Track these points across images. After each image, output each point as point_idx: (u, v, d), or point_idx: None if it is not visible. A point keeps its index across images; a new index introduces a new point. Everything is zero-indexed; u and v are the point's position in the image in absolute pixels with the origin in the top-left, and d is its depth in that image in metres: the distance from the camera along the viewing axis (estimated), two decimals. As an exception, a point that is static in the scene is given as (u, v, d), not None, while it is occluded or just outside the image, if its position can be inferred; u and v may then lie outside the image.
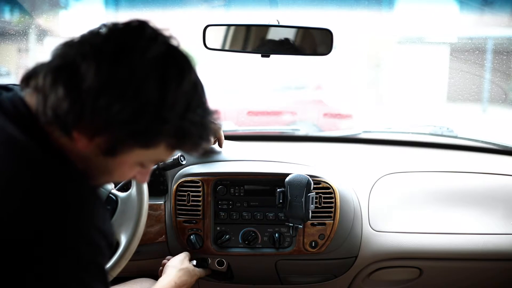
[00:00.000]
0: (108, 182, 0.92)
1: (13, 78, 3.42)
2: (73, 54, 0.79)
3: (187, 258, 1.47)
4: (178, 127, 0.80)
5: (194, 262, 1.52)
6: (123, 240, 1.35)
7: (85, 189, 0.83)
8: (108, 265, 1.32)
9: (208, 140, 0.85)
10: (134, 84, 0.77)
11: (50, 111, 0.79)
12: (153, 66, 0.78)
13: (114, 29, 0.81)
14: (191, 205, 1.57)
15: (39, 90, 0.80)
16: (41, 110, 0.80)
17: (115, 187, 1.45)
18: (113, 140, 0.79)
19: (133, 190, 1.40)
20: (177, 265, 1.43)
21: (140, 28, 0.81)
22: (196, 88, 0.83)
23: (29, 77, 0.83)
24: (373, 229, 1.68)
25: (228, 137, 1.75)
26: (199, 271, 1.49)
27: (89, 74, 0.77)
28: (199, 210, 1.57)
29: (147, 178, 0.93)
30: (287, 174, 1.52)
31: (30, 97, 0.83)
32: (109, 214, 0.84)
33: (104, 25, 0.82)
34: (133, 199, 1.39)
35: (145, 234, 1.42)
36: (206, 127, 0.83)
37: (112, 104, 0.76)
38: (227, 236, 1.59)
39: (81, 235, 0.78)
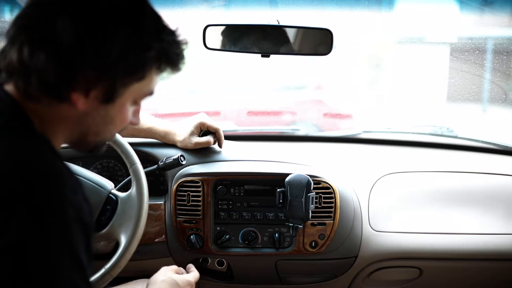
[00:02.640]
0: (113, 133, 0.94)
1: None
2: (38, 20, 0.80)
3: (171, 270, 1.30)
4: (160, 49, 0.85)
5: (186, 270, 1.36)
6: (123, 240, 1.35)
7: (50, 160, 0.81)
8: (108, 265, 1.32)
9: (184, 56, 0.90)
10: (111, 25, 0.80)
11: (37, 83, 0.79)
12: (118, 5, 0.82)
13: None
14: (191, 205, 1.57)
15: (14, 68, 0.80)
16: (25, 89, 0.81)
17: (115, 187, 1.45)
18: (110, 85, 0.82)
19: (133, 190, 1.40)
20: (158, 279, 1.26)
21: None
22: (156, 14, 0.88)
23: None
24: (373, 229, 1.68)
25: (228, 137, 1.75)
26: (190, 276, 1.31)
27: (66, 30, 0.78)
28: (199, 210, 1.57)
29: (140, 117, 0.97)
30: (287, 174, 1.52)
31: (8, 86, 0.84)
32: (81, 187, 0.82)
33: None
34: (133, 199, 1.39)
35: (145, 234, 1.42)
36: (179, 44, 0.88)
37: (99, 50, 0.79)
38: (227, 236, 1.59)
39: (43, 199, 0.76)
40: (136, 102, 0.91)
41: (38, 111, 0.83)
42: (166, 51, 0.86)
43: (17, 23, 0.82)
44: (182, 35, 0.89)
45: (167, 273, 1.28)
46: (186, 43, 0.89)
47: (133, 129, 1.61)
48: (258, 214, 1.59)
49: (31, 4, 0.82)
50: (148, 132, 1.64)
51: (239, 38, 1.54)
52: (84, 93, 0.81)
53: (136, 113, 0.95)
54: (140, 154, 1.52)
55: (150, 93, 0.91)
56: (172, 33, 0.88)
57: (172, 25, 0.89)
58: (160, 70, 0.88)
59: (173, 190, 1.58)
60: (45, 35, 0.79)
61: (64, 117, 0.85)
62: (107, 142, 1.41)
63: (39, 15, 0.80)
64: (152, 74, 0.87)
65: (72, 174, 0.83)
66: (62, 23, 0.78)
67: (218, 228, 1.60)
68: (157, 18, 0.87)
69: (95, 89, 0.82)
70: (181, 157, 1.53)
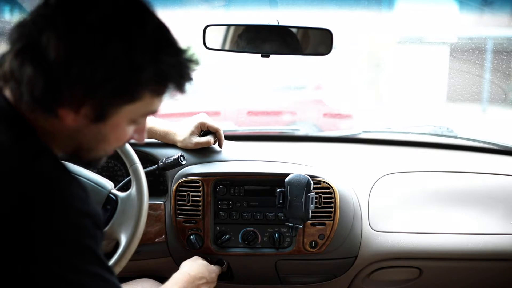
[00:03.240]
0: (108, 151, 0.90)
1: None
2: (29, 31, 0.78)
3: (200, 258, 1.49)
4: (156, 72, 0.79)
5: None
6: (123, 240, 1.36)
7: (59, 171, 0.81)
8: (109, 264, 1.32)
9: (190, 78, 0.84)
10: (98, 42, 0.76)
11: (27, 95, 0.78)
12: (110, 19, 0.77)
13: None
14: (191, 205, 1.57)
15: (8, 78, 0.79)
16: (18, 98, 0.79)
17: (115, 187, 1.46)
18: (98, 104, 0.78)
19: (133, 190, 1.40)
20: (189, 262, 1.44)
21: None
22: (161, 30, 0.82)
23: None
24: (373, 229, 1.68)
25: (228, 137, 1.75)
26: (215, 267, 1.50)
27: (50, 46, 0.75)
28: (199, 210, 1.57)
29: (145, 135, 0.93)
30: (287, 174, 1.52)
31: (6, 91, 0.82)
32: (89, 196, 0.81)
33: None
34: (133, 199, 1.39)
35: (145, 234, 1.42)
36: (183, 66, 0.82)
37: (84, 69, 0.75)
38: (227, 236, 1.59)
39: (61, 218, 0.75)
40: (135, 122, 0.86)
41: (35, 120, 0.81)
42: (165, 73, 0.80)
43: (16, 30, 0.80)
44: (194, 55, 0.84)
45: (197, 259, 1.47)
46: (197, 63, 0.84)
47: None
48: (258, 214, 1.59)
49: (31, 13, 0.80)
50: (148, 132, 1.64)
51: (239, 38, 1.54)
52: (74, 109, 0.78)
53: (140, 131, 0.91)
54: (140, 154, 1.52)
55: (152, 113, 0.86)
56: (177, 53, 0.82)
57: (180, 43, 0.83)
58: (158, 92, 0.82)
59: (173, 190, 1.58)
60: (33, 47, 0.77)
61: (57, 130, 0.82)
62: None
63: (32, 27, 0.78)
64: (148, 96, 0.81)
65: (78, 184, 0.82)
66: (47, 39, 0.76)
67: (218, 228, 1.60)
68: (160, 36, 0.81)
69: (85, 107, 0.78)
70: (181, 157, 1.53)
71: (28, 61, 0.77)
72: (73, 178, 0.82)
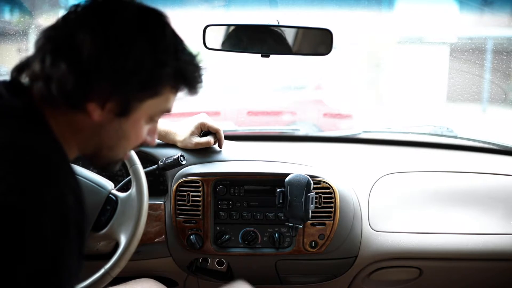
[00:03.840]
0: (126, 150, 0.95)
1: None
2: (63, 32, 0.85)
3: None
4: (176, 68, 0.87)
5: None
6: (122, 240, 1.35)
7: (60, 160, 0.83)
8: (108, 265, 1.32)
9: (202, 80, 0.93)
10: (127, 40, 0.83)
11: (57, 91, 0.82)
12: (137, 19, 0.86)
13: (90, 1, 0.88)
14: (191, 205, 1.57)
15: (37, 76, 0.84)
16: (45, 95, 0.84)
17: (115, 187, 1.45)
18: (124, 99, 0.85)
19: (133, 190, 1.40)
20: None
21: None
22: (176, 34, 0.91)
23: (21, 68, 0.87)
24: (373, 229, 1.68)
25: (228, 137, 1.75)
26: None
27: (85, 43, 0.82)
28: (199, 210, 1.57)
29: (157, 136, 0.99)
30: (287, 174, 1.52)
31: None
32: (80, 189, 0.84)
33: (76, 4, 0.88)
34: (133, 199, 1.39)
35: (145, 234, 1.42)
36: (198, 67, 0.92)
37: (114, 64, 0.82)
38: (227, 236, 1.59)
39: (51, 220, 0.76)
40: (152, 119, 0.93)
41: (57, 117, 0.86)
42: (183, 71, 0.88)
43: (45, 34, 0.86)
44: (203, 62, 0.92)
45: None
46: (205, 69, 0.92)
47: None
48: (258, 214, 1.59)
49: (61, 18, 0.87)
50: None
51: (239, 38, 1.54)
52: (100, 104, 0.84)
53: (152, 132, 0.97)
54: (140, 154, 1.52)
55: (167, 110, 0.93)
56: (191, 55, 0.90)
57: (194, 50, 0.92)
58: (176, 89, 0.90)
59: (173, 190, 1.58)
60: (67, 47, 0.83)
61: (80, 128, 0.87)
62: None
63: (64, 28, 0.85)
64: (167, 92, 0.89)
65: (72, 176, 0.83)
66: (82, 36, 0.82)
67: (218, 228, 1.60)
68: (177, 40, 0.90)
69: (111, 102, 0.84)
70: (181, 157, 1.53)
71: (61, 60, 0.82)
72: (76, 182, 0.84)
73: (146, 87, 0.86)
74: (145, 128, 0.93)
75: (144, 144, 0.96)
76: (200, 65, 0.92)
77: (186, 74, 0.89)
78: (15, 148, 0.78)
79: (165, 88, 0.88)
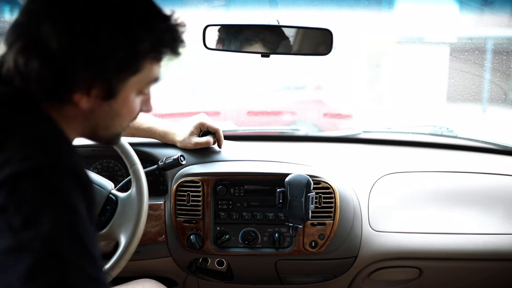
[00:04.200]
0: (124, 125, 0.94)
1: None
2: (26, 28, 0.81)
3: None
4: (152, 41, 0.84)
5: None
6: (122, 240, 1.35)
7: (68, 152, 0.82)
8: (108, 265, 1.32)
9: (182, 41, 0.88)
10: (93, 24, 0.79)
11: (37, 89, 0.81)
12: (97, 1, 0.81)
13: None
14: (191, 205, 1.57)
15: (13, 76, 0.82)
16: (28, 93, 0.82)
17: (115, 187, 1.45)
18: (107, 82, 0.83)
19: (133, 190, 1.40)
20: None
21: None
22: (146, 0, 0.86)
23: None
24: (373, 229, 1.68)
25: (228, 137, 1.75)
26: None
27: (50, 36, 0.79)
28: (199, 210, 1.57)
29: (151, 104, 0.97)
30: (287, 174, 1.53)
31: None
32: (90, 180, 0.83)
33: None
34: (133, 199, 1.39)
35: (145, 234, 1.42)
36: (174, 30, 0.87)
37: (86, 52, 0.79)
38: (227, 236, 1.59)
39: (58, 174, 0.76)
40: (142, 92, 0.91)
41: (46, 110, 0.84)
42: (160, 40, 0.85)
43: (12, 30, 0.83)
44: (178, 18, 0.88)
45: None
46: (184, 25, 0.87)
47: (132, 129, 1.61)
48: (258, 214, 1.59)
49: (22, 11, 0.83)
50: (148, 132, 1.64)
51: (239, 38, 1.54)
52: (85, 92, 0.82)
53: (146, 101, 0.95)
54: (140, 154, 1.52)
55: (154, 80, 0.91)
56: (166, 19, 0.86)
57: (166, 9, 0.88)
58: (157, 59, 0.87)
59: (173, 190, 1.58)
60: (34, 42, 0.80)
61: (71, 116, 0.86)
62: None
63: (28, 23, 0.81)
64: (149, 64, 0.86)
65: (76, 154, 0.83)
66: (46, 29, 0.79)
67: (218, 228, 1.60)
68: (147, 6, 0.85)
69: (94, 88, 0.82)
70: (181, 157, 1.53)
71: (33, 57, 0.79)
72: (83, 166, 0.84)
73: (126, 67, 0.83)
74: (137, 101, 0.91)
75: (142, 113, 0.96)
76: (177, 25, 0.87)
77: (164, 42, 0.86)
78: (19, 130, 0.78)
79: (145, 61, 0.85)
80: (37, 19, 0.80)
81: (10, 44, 0.83)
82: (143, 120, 1.63)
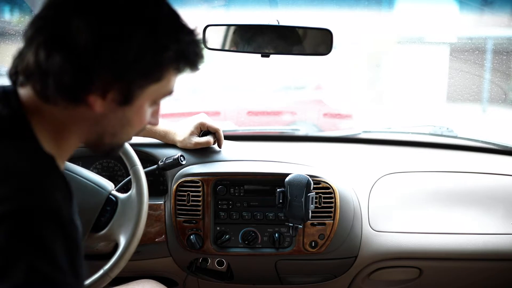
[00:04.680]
0: (130, 135, 0.92)
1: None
2: (54, 21, 0.79)
3: None
4: (178, 50, 0.83)
5: None
6: (122, 241, 1.35)
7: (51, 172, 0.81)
8: (107, 266, 1.32)
9: (203, 56, 0.89)
10: (125, 26, 0.79)
11: (54, 86, 0.79)
12: (134, 4, 0.81)
13: None
14: (191, 205, 1.57)
15: (32, 72, 0.80)
16: (42, 92, 0.80)
17: (115, 187, 1.45)
18: (126, 87, 0.81)
19: (133, 191, 1.40)
20: None
21: None
22: (174, 12, 0.87)
23: (16, 66, 0.83)
24: (373, 229, 1.68)
25: (228, 137, 1.75)
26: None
27: (81, 32, 0.77)
28: (199, 210, 1.57)
29: (159, 118, 0.95)
30: (287, 174, 1.52)
31: (22, 90, 0.83)
32: (71, 203, 0.81)
33: None
34: (133, 200, 1.39)
35: (145, 234, 1.42)
36: (197, 44, 0.87)
37: (114, 52, 0.78)
38: (227, 236, 1.59)
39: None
40: (155, 102, 0.90)
41: (55, 113, 0.83)
42: (184, 52, 0.85)
43: (34, 24, 0.81)
44: (199, 35, 0.88)
45: None
46: (201, 42, 0.88)
47: None
48: (258, 214, 1.59)
49: (48, 4, 0.82)
50: (148, 132, 1.64)
51: (239, 38, 1.54)
52: (101, 95, 0.80)
53: (155, 113, 0.93)
54: (140, 154, 1.52)
55: (169, 93, 0.90)
56: (190, 33, 0.86)
57: (190, 24, 0.88)
58: (178, 70, 0.87)
59: (173, 190, 1.58)
60: (61, 37, 0.78)
61: (81, 119, 0.84)
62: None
63: (55, 16, 0.79)
64: (170, 74, 0.86)
65: (67, 187, 0.81)
66: (77, 24, 0.77)
67: (218, 228, 1.60)
68: (175, 17, 0.86)
69: (112, 91, 0.81)
70: (181, 157, 1.53)
71: (56, 51, 0.78)
72: (64, 181, 0.81)
73: (148, 74, 0.82)
74: (149, 112, 0.90)
75: (148, 125, 0.94)
76: (199, 40, 0.88)
77: (188, 54, 0.85)
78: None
79: (168, 71, 0.84)
80: (67, 14, 0.78)
81: (30, 38, 0.80)
82: None
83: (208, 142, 1.63)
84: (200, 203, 1.57)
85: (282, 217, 1.58)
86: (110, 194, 1.41)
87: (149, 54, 0.80)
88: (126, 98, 0.82)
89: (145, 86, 0.83)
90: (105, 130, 0.87)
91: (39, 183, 0.76)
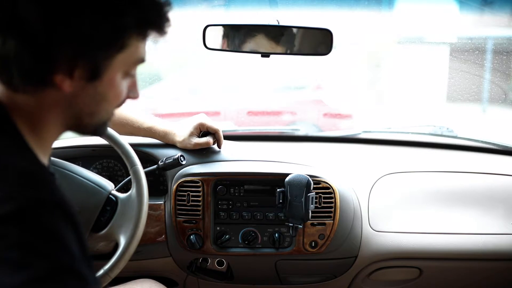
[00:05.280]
0: (109, 111, 0.89)
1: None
2: (3, 4, 0.75)
3: None
4: (137, 15, 0.80)
5: None
6: (122, 241, 1.35)
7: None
8: (107, 266, 1.32)
9: (168, 19, 0.84)
10: None
11: (17, 72, 0.76)
12: None
13: None
14: (191, 205, 1.57)
15: None
16: (9, 81, 0.78)
17: (115, 187, 1.45)
18: (91, 61, 0.78)
19: (133, 191, 1.40)
20: None
21: None
22: None
23: None
24: (373, 229, 1.68)
25: (228, 137, 1.75)
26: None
27: (29, 11, 0.74)
28: (199, 210, 1.57)
29: (138, 90, 0.91)
30: (287, 174, 1.52)
31: None
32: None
33: None
34: (133, 200, 1.39)
35: (145, 234, 1.42)
36: (159, 7, 0.83)
37: (68, 26, 0.75)
38: (227, 236, 1.59)
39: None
40: (128, 73, 0.86)
41: (28, 103, 0.80)
42: (146, 16, 0.81)
43: None
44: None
45: None
46: (169, 4, 0.84)
47: (132, 128, 1.61)
48: (258, 214, 1.59)
49: None
50: (148, 132, 1.64)
51: (239, 38, 1.54)
52: (68, 74, 0.77)
53: (132, 86, 0.90)
54: (140, 154, 1.52)
55: (140, 61, 0.86)
56: None
57: None
58: (143, 36, 0.83)
59: (173, 190, 1.58)
60: (11, 21, 0.74)
61: (54, 104, 0.81)
62: (108, 142, 1.42)
63: (3, 1, 0.75)
64: (135, 41, 0.82)
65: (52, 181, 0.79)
66: (24, 5, 0.73)
67: (218, 228, 1.60)
68: None
69: (78, 68, 0.77)
70: (181, 157, 1.53)
71: (10, 36, 0.75)
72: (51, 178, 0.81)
73: (110, 43, 0.78)
74: (123, 85, 0.86)
75: (128, 99, 0.91)
76: (163, 3, 0.83)
77: (150, 18, 0.81)
78: None
79: (131, 38, 0.80)
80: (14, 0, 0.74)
81: None
82: (143, 120, 1.62)
83: (207, 143, 1.63)
84: (200, 203, 1.57)
85: (282, 217, 1.58)
86: (110, 194, 1.41)
87: (104, 23, 0.77)
88: (94, 73, 0.79)
89: (110, 56, 0.80)
90: (81, 111, 0.84)
91: (40, 178, 0.76)
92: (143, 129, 1.63)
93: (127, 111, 1.61)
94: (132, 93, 0.90)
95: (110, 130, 1.42)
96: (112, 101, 0.86)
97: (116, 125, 1.57)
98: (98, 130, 0.90)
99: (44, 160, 0.85)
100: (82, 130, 0.89)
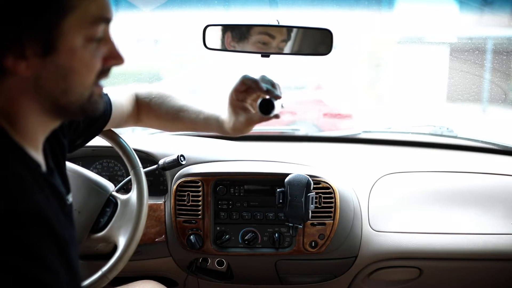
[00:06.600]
0: (85, 84, 0.77)
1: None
2: None
3: None
4: None
5: None
6: (121, 242, 1.35)
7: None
8: (106, 267, 1.32)
9: None
10: None
11: None
12: None
13: None
14: (191, 205, 1.57)
15: None
16: None
17: (114, 187, 1.45)
18: (37, 34, 0.70)
19: (133, 193, 1.40)
20: None
21: None
22: None
23: None
24: (373, 229, 1.68)
25: (228, 137, 1.75)
26: None
27: None
28: (199, 210, 1.57)
29: (120, 52, 0.80)
30: (287, 174, 1.52)
31: None
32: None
33: None
34: (133, 201, 1.38)
35: (145, 234, 1.42)
36: None
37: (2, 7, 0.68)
38: (227, 236, 1.59)
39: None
40: (93, 38, 0.75)
41: None
42: None
43: None
44: None
45: None
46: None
47: (188, 122, 1.32)
48: (258, 214, 1.59)
49: None
50: (204, 125, 1.31)
51: (239, 38, 1.54)
52: (19, 55, 0.70)
53: (110, 50, 0.79)
54: (140, 154, 1.52)
55: (99, 18, 0.75)
56: None
57: None
58: None
59: (173, 190, 1.58)
60: None
61: (20, 91, 0.74)
62: (108, 142, 1.41)
63: None
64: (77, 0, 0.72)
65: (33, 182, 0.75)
66: None
67: (218, 228, 1.60)
68: None
69: (28, 45, 0.70)
70: (181, 157, 1.53)
71: None
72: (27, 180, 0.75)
73: (50, 7, 0.70)
74: (90, 51, 0.76)
75: (110, 66, 0.80)
76: None
77: None
78: None
79: None
80: None
81: None
82: (200, 108, 1.32)
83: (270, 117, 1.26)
84: (200, 203, 1.57)
85: (282, 217, 1.58)
86: (111, 195, 1.41)
87: None
88: (46, 46, 0.71)
89: (58, 23, 0.71)
90: (51, 91, 0.75)
91: (14, 185, 0.71)
92: (199, 123, 1.31)
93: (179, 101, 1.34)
94: (114, 60, 0.80)
95: (110, 130, 1.42)
96: (82, 72, 0.76)
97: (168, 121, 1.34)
98: (86, 109, 0.79)
99: (37, 156, 0.80)
100: (67, 113, 0.80)
